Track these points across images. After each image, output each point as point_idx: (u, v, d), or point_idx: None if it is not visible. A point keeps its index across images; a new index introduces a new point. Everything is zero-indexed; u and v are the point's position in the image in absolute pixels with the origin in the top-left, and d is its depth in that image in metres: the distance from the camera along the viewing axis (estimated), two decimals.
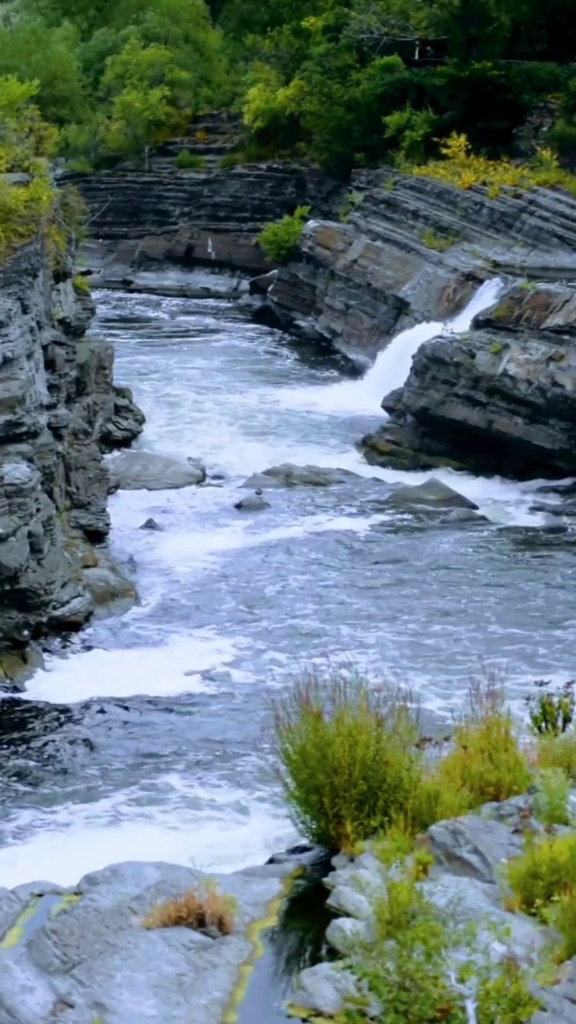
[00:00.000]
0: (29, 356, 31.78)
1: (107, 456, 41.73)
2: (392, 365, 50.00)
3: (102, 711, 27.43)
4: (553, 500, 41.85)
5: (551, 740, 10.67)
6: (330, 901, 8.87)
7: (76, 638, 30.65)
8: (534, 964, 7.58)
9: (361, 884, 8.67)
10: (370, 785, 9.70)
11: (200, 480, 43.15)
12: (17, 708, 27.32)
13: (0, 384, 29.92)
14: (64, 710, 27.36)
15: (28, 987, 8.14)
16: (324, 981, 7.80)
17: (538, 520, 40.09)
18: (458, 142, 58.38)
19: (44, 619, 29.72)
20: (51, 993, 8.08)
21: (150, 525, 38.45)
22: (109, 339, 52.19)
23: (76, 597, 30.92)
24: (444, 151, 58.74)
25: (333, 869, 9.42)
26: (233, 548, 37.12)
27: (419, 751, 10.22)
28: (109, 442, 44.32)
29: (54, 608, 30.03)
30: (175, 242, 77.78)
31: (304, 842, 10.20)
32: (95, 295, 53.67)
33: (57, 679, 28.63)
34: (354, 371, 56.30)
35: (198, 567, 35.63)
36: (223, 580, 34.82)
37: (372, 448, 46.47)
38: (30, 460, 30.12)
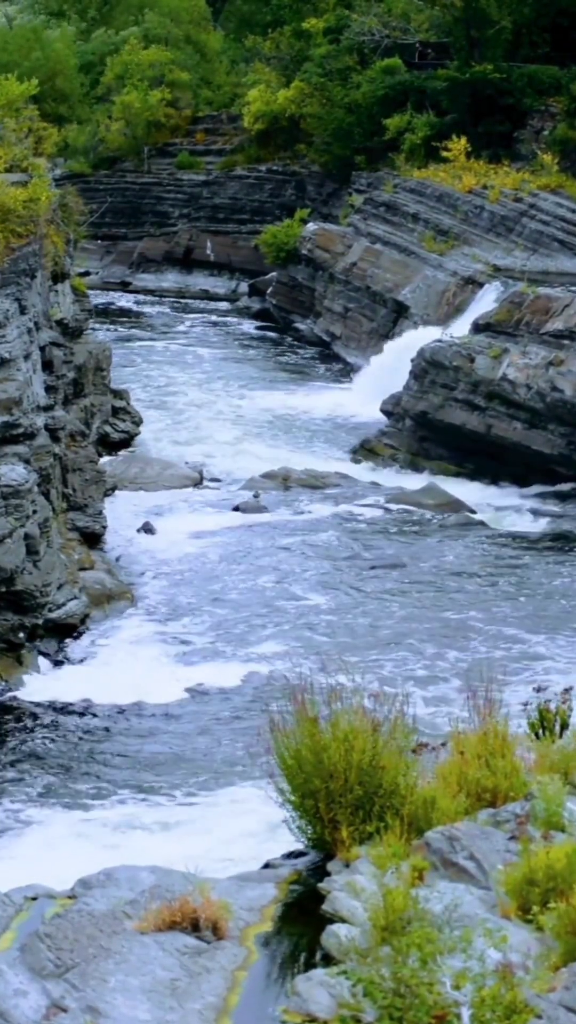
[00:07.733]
0: (26, 357, 31.74)
1: (104, 458, 41.70)
2: (391, 369, 49.96)
3: (98, 714, 27.39)
4: (552, 505, 41.81)
5: (548, 746, 10.63)
6: (325, 906, 8.83)
7: (72, 641, 30.60)
8: (530, 971, 7.54)
9: (356, 890, 8.63)
10: (366, 790, 9.65)
11: (197, 483, 43.09)
12: (12, 711, 27.28)
13: None
14: (60, 713, 27.31)
15: (21, 991, 8.09)
16: (319, 987, 7.75)
17: (537, 525, 40.04)
18: (459, 145, 58.39)
19: (40, 621, 29.67)
20: (44, 997, 8.04)
21: (147, 528, 38.41)
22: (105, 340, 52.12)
23: (72, 599, 30.87)
24: (444, 154, 58.76)
25: (328, 874, 9.37)
26: (230, 551, 37.08)
27: (416, 756, 10.18)
28: (106, 444, 44.29)
29: (50, 610, 29.98)
30: (174, 243, 77.71)
31: (299, 847, 10.16)
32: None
33: (53, 682, 28.60)
34: (353, 374, 56.27)
35: (195, 569, 35.60)
36: (220, 582, 34.78)
37: (370, 452, 46.43)
38: (27, 462, 30.08)
